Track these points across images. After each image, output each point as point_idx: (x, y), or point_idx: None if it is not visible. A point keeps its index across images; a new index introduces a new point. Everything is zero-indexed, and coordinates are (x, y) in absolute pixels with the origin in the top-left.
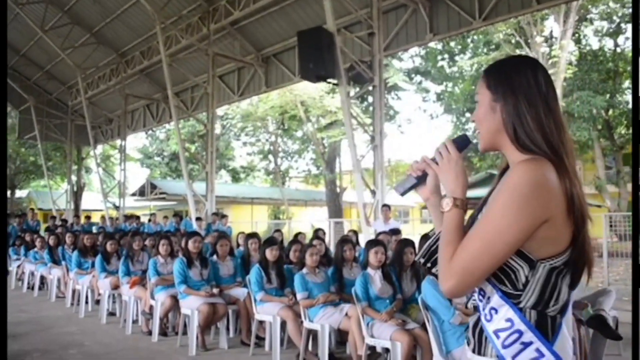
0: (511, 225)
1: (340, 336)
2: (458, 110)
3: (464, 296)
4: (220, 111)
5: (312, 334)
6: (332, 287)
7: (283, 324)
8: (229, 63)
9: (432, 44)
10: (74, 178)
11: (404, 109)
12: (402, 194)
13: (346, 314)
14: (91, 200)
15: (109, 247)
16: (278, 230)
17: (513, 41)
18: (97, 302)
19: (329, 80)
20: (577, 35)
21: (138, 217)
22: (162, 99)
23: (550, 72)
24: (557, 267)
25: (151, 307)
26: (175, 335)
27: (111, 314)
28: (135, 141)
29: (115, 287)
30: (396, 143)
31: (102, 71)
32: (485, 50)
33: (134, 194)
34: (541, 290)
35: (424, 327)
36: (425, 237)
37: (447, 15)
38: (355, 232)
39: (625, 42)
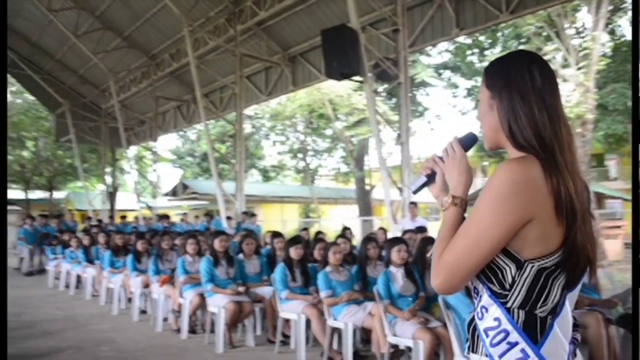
0: (492, 224)
1: (366, 334)
2: None
3: (454, 293)
4: (249, 111)
5: (337, 332)
6: (356, 285)
7: (308, 322)
8: (256, 63)
9: (461, 39)
10: (108, 179)
11: (433, 105)
12: (415, 192)
13: (369, 312)
14: (126, 200)
15: (140, 246)
16: (305, 229)
17: (544, 34)
18: (129, 300)
19: (353, 78)
20: (610, 26)
21: (168, 217)
22: (192, 100)
23: (582, 64)
24: (547, 268)
25: (180, 305)
26: (203, 332)
27: (143, 311)
28: (168, 142)
29: (146, 285)
30: (426, 140)
31: (133, 74)
32: (515, 43)
33: (166, 194)
34: (528, 291)
35: (446, 325)
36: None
37: (474, 9)
38: (385, 230)
39: None
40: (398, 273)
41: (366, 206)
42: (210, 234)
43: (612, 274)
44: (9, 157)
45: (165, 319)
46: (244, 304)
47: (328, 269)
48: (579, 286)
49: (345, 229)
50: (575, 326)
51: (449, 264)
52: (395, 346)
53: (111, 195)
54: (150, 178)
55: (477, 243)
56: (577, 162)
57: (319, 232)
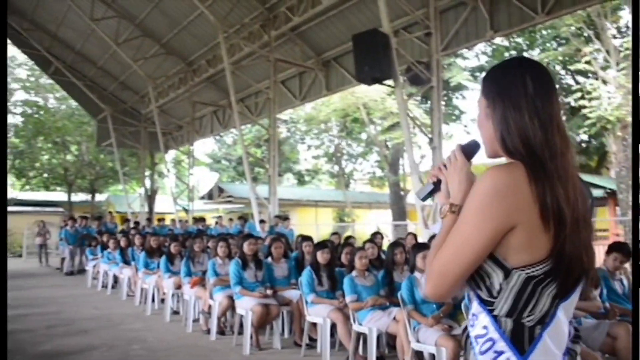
0: (474, 232)
1: (391, 340)
2: None
3: (446, 299)
4: (285, 115)
5: (363, 337)
6: (382, 290)
7: (334, 326)
8: (290, 68)
9: (498, 41)
10: (147, 182)
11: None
12: (423, 200)
13: (394, 318)
14: (164, 203)
15: (173, 248)
16: (336, 234)
17: (585, 34)
18: (162, 300)
19: (385, 82)
20: None
21: (204, 220)
22: (228, 105)
23: (622, 65)
24: (535, 277)
25: (210, 307)
26: (232, 334)
27: (175, 312)
28: (205, 146)
29: (178, 286)
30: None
31: (171, 80)
32: (554, 45)
33: (203, 197)
34: (515, 299)
35: None
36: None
37: (508, 10)
38: (414, 235)
39: None
40: (422, 279)
41: (400, 211)
42: (241, 238)
43: None
44: (53, 161)
45: (196, 320)
46: (271, 306)
47: (354, 273)
48: (575, 296)
49: (376, 233)
50: (577, 337)
51: (437, 271)
52: (420, 353)
53: (150, 198)
54: (187, 181)
55: (461, 250)
56: (573, 169)
57: (348, 237)
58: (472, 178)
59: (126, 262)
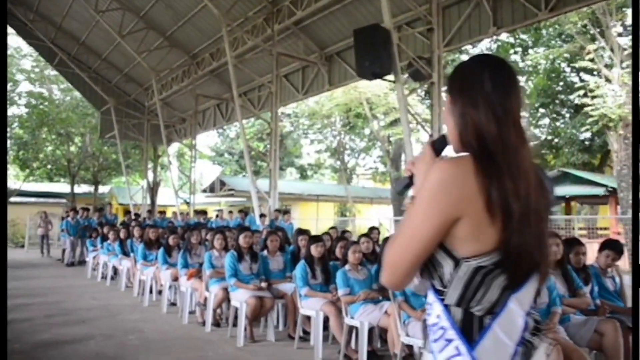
0: (421, 222)
1: (384, 334)
2: (531, 106)
3: (401, 289)
4: (288, 109)
5: (355, 331)
6: (375, 284)
7: (327, 319)
8: (293, 62)
9: (503, 37)
10: (150, 175)
11: None
12: (400, 193)
13: (386, 312)
14: (167, 196)
15: (171, 240)
16: (333, 228)
17: (592, 32)
18: (160, 292)
19: (385, 77)
20: None
21: (205, 213)
22: (231, 99)
23: (625, 64)
24: (484, 267)
25: (206, 299)
26: (227, 326)
27: (172, 304)
28: (208, 139)
29: (176, 278)
30: None
31: (175, 73)
32: (558, 42)
33: (204, 190)
34: (463, 289)
35: None
36: None
37: (512, 7)
38: None
39: None
40: None
41: (401, 206)
42: (237, 230)
43: None
44: (57, 152)
45: (192, 312)
46: (265, 299)
47: (347, 267)
48: (528, 288)
49: (373, 228)
50: (537, 329)
51: (390, 260)
52: (409, 347)
53: (152, 191)
54: (189, 174)
55: (410, 241)
56: (528, 164)
57: (344, 231)
58: None
59: (125, 254)
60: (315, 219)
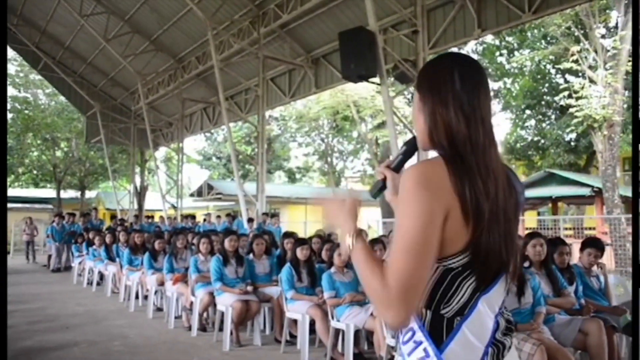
0: (418, 226)
1: (371, 336)
2: (517, 107)
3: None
4: (276, 113)
5: (342, 334)
6: (360, 286)
7: (314, 323)
8: (279, 65)
9: (489, 40)
10: (138, 179)
11: None
12: (374, 197)
13: (371, 314)
14: (155, 200)
15: (157, 245)
16: (320, 231)
17: (576, 34)
18: (146, 297)
19: (371, 80)
20: None
21: (194, 217)
22: (218, 102)
23: (610, 64)
24: (453, 269)
25: (192, 303)
26: (214, 330)
27: (159, 309)
28: (196, 143)
29: (161, 283)
30: None
31: (161, 77)
32: (543, 44)
33: (192, 195)
34: (432, 290)
35: None
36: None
37: (496, 9)
38: None
39: None
40: None
41: (389, 208)
42: (223, 234)
43: (627, 280)
44: (43, 157)
45: (178, 317)
46: (251, 303)
47: (332, 269)
48: (497, 289)
49: (360, 231)
50: (509, 330)
51: (401, 288)
52: (394, 348)
53: (140, 196)
54: (176, 179)
55: (416, 251)
56: (497, 164)
57: (330, 234)
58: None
59: (111, 259)
60: (304, 222)
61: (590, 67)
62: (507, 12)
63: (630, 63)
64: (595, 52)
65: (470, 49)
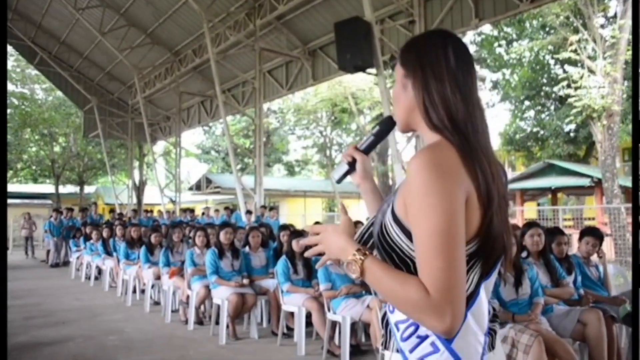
0: (446, 216)
1: (368, 328)
2: (516, 98)
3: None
4: (274, 105)
5: (339, 326)
6: None
7: (310, 315)
8: (276, 58)
9: (487, 30)
10: (136, 173)
11: None
12: (338, 181)
13: (368, 306)
14: (153, 194)
15: (153, 239)
16: (317, 223)
17: (575, 24)
18: (143, 291)
19: (368, 70)
20: None
21: (192, 211)
22: (215, 96)
23: (609, 54)
24: None
25: (188, 297)
26: (210, 324)
27: (156, 303)
28: (194, 137)
29: (158, 277)
30: None
31: (157, 70)
32: (542, 34)
33: (191, 188)
34: None
35: None
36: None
37: None
38: None
39: None
40: None
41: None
42: (218, 227)
43: (626, 270)
44: (41, 153)
45: (175, 310)
46: (247, 296)
47: (329, 262)
48: (494, 274)
49: (357, 222)
50: (494, 317)
51: (446, 290)
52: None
53: (138, 190)
54: (175, 172)
55: (455, 244)
56: (491, 146)
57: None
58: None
59: (108, 253)
60: (303, 215)
61: (589, 57)
62: (505, 1)
63: (629, 52)
64: (594, 41)
65: (468, 39)
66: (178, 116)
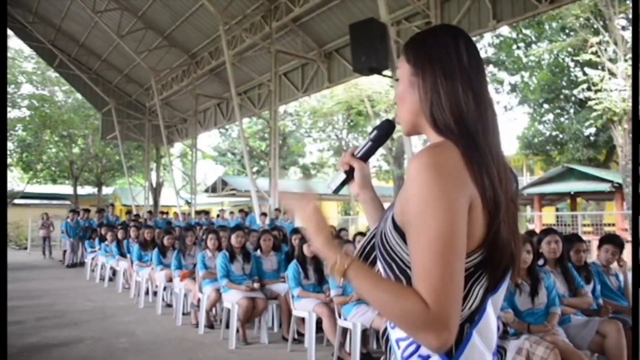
0: (448, 224)
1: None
2: (535, 101)
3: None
4: (290, 108)
5: (350, 333)
6: None
7: (321, 321)
8: (292, 60)
9: (506, 32)
10: (153, 175)
11: None
12: (335, 191)
13: (378, 313)
14: (170, 196)
15: (166, 241)
16: (343, 229)
17: (595, 25)
18: (155, 293)
19: (383, 73)
20: None
21: (208, 213)
22: (231, 98)
23: (628, 56)
24: (467, 270)
25: (199, 300)
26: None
27: (168, 305)
28: (210, 139)
29: (170, 279)
30: None
31: (174, 73)
32: (562, 36)
33: (206, 191)
34: None
35: None
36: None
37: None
38: None
39: None
40: None
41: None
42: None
43: None
44: (60, 154)
45: (186, 313)
46: (257, 300)
47: None
48: (503, 288)
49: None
50: (505, 333)
51: (445, 301)
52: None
53: (155, 191)
54: (191, 174)
55: (456, 252)
56: (502, 149)
57: (340, 229)
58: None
59: (122, 255)
60: None
61: (610, 59)
62: (523, 2)
63: None
64: (615, 43)
65: (486, 42)
66: (194, 118)
